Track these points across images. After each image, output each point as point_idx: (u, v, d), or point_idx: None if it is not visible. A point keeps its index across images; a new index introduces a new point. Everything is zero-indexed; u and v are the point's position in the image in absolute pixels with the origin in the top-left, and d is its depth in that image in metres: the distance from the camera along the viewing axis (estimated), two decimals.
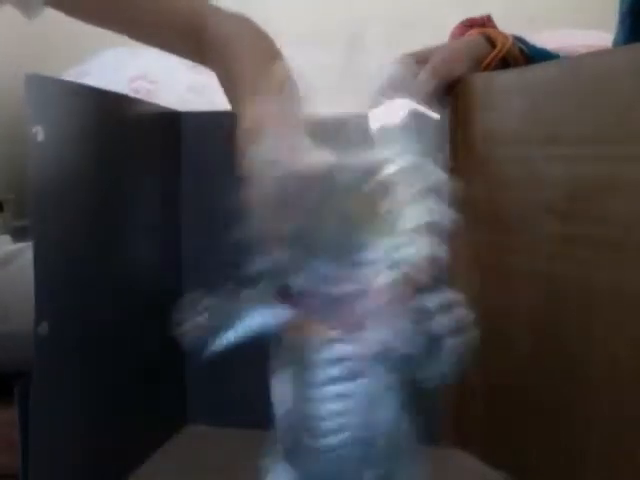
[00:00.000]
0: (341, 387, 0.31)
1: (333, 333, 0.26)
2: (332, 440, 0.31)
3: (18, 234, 0.77)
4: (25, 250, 0.66)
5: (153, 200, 0.56)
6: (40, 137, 0.39)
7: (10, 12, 0.57)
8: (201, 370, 0.61)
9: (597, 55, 0.42)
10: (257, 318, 0.34)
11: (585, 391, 0.43)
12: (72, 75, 1.13)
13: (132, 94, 1.00)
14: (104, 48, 1.19)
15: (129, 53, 1.16)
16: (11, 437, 0.39)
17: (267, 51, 0.47)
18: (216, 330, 0.34)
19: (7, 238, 0.75)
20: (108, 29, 0.58)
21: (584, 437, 0.44)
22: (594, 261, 0.42)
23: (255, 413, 0.60)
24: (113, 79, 1.05)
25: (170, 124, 0.59)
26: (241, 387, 0.61)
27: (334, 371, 0.31)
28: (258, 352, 0.62)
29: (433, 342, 0.27)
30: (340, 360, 0.31)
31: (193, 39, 0.52)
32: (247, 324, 0.34)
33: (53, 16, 0.58)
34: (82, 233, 0.45)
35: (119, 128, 0.50)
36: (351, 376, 0.31)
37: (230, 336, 0.35)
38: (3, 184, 1.08)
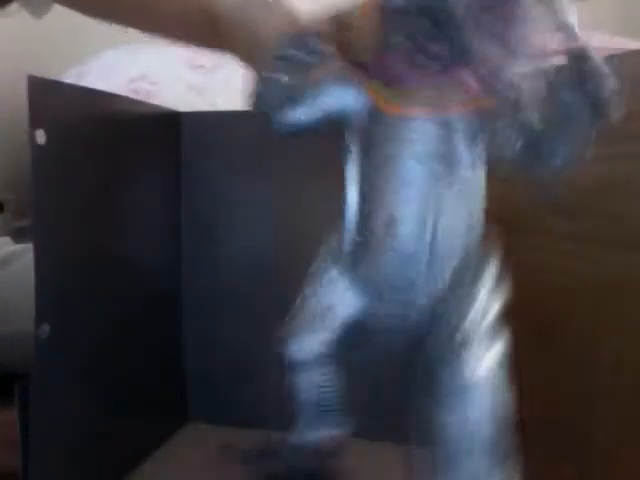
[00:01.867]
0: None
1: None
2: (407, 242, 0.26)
3: (18, 235, 0.77)
4: (26, 251, 0.66)
5: (153, 200, 0.56)
6: (41, 140, 0.39)
7: (10, 12, 0.57)
8: (203, 369, 0.61)
9: (618, 56, 0.42)
10: (336, 97, 0.27)
11: (593, 389, 0.43)
12: (72, 76, 1.13)
13: (132, 95, 1.00)
14: (104, 49, 1.19)
15: (129, 54, 1.16)
16: (11, 437, 0.39)
17: (287, 15, 0.46)
18: (290, 100, 0.27)
19: (7, 239, 0.75)
20: (118, 24, 0.58)
21: (586, 436, 0.44)
22: (606, 260, 0.42)
23: (256, 412, 0.60)
24: (113, 80, 1.05)
25: (170, 124, 0.59)
26: (243, 386, 0.61)
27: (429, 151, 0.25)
28: (258, 352, 0.62)
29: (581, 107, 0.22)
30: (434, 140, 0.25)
31: (206, 23, 0.52)
32: (324, 102, 0.28)
33: (53, 16, 0.58)
34: (83, 234, 0.45)
35: (119, 129, 0.50)
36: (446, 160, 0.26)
37: (301, 113, 0.28)
38: (3, 184, 1.08)
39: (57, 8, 0.58)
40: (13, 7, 0.56)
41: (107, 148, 0.48)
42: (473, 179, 0.27)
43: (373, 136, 0.26)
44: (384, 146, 0.26)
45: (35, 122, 0.39)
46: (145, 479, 0.52)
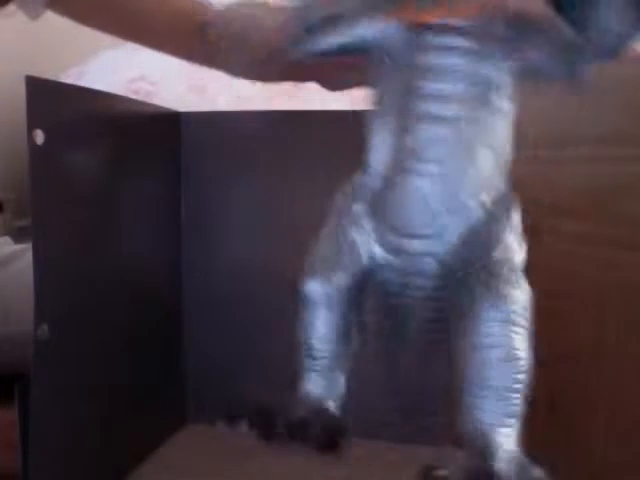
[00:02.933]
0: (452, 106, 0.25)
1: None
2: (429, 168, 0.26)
3: (19, 235, 0.77)
4: (26, 251, 0.66)
5: (153, 200, 0.56)
6: (40, 140, 0.39)
7: (9, 12, 0.57)
8: (202, 370, 0.61)
9: (624, 61, 0.42)
10: (366, 27, 0.27)
11: (593, 389, 0.43)
12: (71, 76, 1.12)
13: (132, 95, 1.00)
14: (103, 49, 1.19)
15: (128, 54, 1.16)
16: (11, 437, 0.39)
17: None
18: (319, 27, 0.27)
19: (8, 239, 0.75)
20: (109, 34, 0.58)
21: (588, 436, 0.44)
22: (609, 260, 0.42)
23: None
24: (112, 80, 1.05)
25: (170, 124, 0.59)
26: (242, 387, 0.61)
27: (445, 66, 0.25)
28: (258, 353, 0.63)
29: None
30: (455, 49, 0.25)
31: (197, 35, 0.52)
32: (354, 31, 0.27)
33: (52, 16, 0.58)
34: (83, 234, 0.45)
35: (119, 129, 0.50)
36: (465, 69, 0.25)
37: (332, 39, 0.27)
38: (3, 184, 1.08)
39: None
40: (11, 8, 0.56)
41: (107, 148, 0.48)
42: (501, 123, 0.26)
43: (407, 65, 0.26)
44: (418, 71, 0.25)
45: (33, 122, 0.39)
46: (144, 479, 0.52)
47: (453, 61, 0.25)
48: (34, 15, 0.57)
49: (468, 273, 0.27)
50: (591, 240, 0.43)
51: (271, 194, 0.59)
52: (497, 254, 0.27)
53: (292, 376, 0.59)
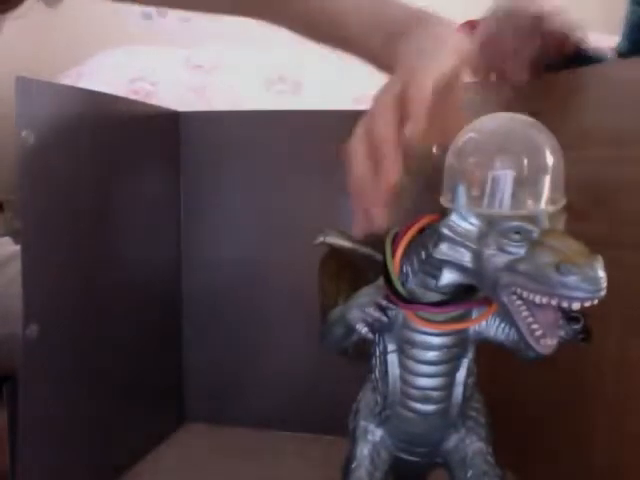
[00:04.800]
0: (438, 367, 0.36)
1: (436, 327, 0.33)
2: (427, 407, 0.36)
3: (19, 235, 0.77)
4: None
5: (153, 200, 0.56)
6: (30, 140, 0.39)
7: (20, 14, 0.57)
8: (200, 369, 0.61)
9: (624, 63, 0.42)
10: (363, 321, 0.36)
11: (594, 392, 0.43)
12: (71, 77, 1.12)
13: (132, 95, 1.00)
14: (103, 49, 1.19)
15: (128, 54, 1.16)
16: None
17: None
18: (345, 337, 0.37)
19: (8, 239, 0.75)
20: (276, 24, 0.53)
21: (586, 437, 0.44)
22: (610, 260, 0.42)
23: (253, 412, 0.60)
24: (113, 80, 1.05)
25: (169, 124, 0.59)
26: (240, 386, 0.61)
27: (434, 354, 0.35)
28: (256, 353, 0.62)
29: None
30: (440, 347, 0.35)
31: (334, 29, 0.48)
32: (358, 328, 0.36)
33: (52, 17, 0.58)
34: (77, 235, 0.45)
35: (118, 129, 0.50)
36: (446, 359, 0.36)
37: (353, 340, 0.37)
38: (3, 184, 1.08)
39: (62, 5, 0.58)
40: (23, 8, 0.56)
41: (106, 148, 0.48)
42: (471, 360, 0.36)
43: (407, 338, 0.35)
44: (416, 343, 0.35)
45: (23, 122, 0.38)
46: (142, 478, 0.52)
47: (433, 352, 0.35)
48: (52, 3, 0.57)
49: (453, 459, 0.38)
50: (591, 240, 0.43)
51: (270, 193, 0.59)
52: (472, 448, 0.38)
53: (291, 375, 0.60)
